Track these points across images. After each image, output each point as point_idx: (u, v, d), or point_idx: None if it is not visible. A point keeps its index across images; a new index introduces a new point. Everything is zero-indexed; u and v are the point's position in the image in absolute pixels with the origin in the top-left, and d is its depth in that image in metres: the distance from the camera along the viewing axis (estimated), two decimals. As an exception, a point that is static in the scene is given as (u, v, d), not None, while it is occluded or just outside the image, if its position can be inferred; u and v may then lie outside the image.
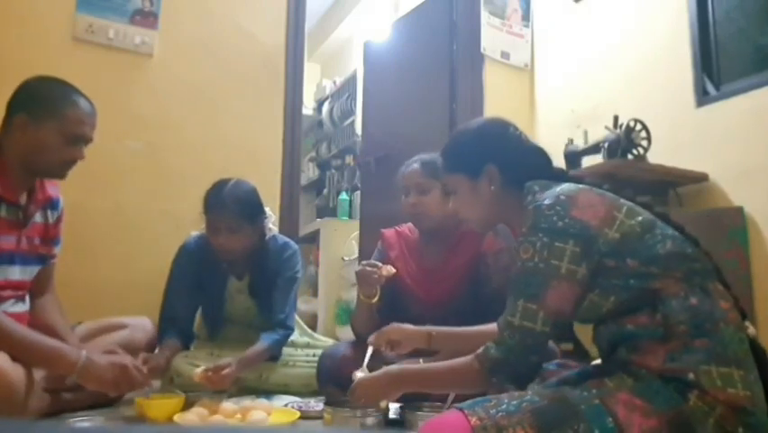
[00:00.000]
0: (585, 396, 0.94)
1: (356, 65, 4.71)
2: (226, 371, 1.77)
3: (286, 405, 1.78)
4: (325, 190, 5.17)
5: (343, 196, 4.40)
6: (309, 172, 5.67)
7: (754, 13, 2.52)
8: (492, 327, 1.13)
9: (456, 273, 1.81)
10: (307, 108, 5.07)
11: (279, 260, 2.12)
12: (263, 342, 1.96)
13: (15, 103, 1.57)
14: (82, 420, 1.57)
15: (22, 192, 1.60)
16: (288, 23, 3.12)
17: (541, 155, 1.27)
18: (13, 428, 0.45)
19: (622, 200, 1.09)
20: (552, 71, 3.40)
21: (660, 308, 0.97)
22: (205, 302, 2.16)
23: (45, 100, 1.56)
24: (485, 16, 3.33)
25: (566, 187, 1.11)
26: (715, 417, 0.89)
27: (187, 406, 1.66)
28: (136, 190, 2.67)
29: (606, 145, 2.51)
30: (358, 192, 4.18)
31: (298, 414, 1.66)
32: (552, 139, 2.95)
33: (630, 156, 2.45)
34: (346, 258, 3.82)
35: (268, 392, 1.99)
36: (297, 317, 2.21)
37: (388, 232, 1.97)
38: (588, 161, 2.75)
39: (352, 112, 4.87)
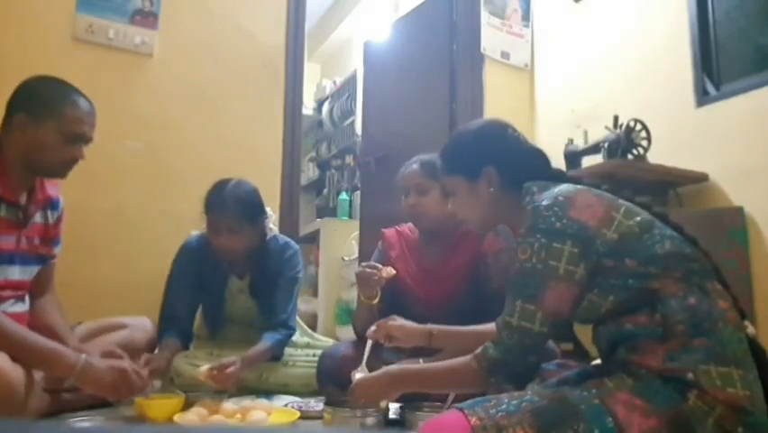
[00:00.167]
0: (585, 396, 0.94)
1: (356, 65, 4.71)
2: (231, 369, 1.77)
3: (286, 405, 1.78)
4: (325, 190, 5.17)
5: (343, 196, 4.40)
6: (309, 172, 5.67)
7: (754, 13, 2.52)
8: (493, 326, 1.13)
9: (456, 273, 1.81)
10: (307, 108, 5.06)
11: (281, 260, 2.12)
12: (266, 341, 1.96)
13: (15, 102, 1.57)
14: (82, 420, 1.57)
15: (22, 192, 1.59)
16: (288, 23, 3.12)
17: (539, 156, 1.28)
18: (13, 428, 0.45)
19: (620, 201, 1.09)
20: (552, 71, 3.40)
21: (659, 307, 0.97)
22: (205, 302, 2.16)
23: (44, 100, 1.56)
24: (485, 16, 3.33)
25: (564, 188, 1.11)
26: (714, 416, 0.89)
27: (187, 406, 1.66)
28: (136, 190, 2.66)
29: (606, 145, 2.51)
30: (358, 192, 4.18)
31: (298, 414, 1.66)
32: (552, 139, 2.95)
33: (630, 156, 2.45)
34: (346, 258, 3.83)
35: (268, 392, 1.99)
36: (297, 318, 2.20)
37: (389, 232, 1.98)
38: (588, 161, 2.75)
39: (351, 112, 4.87)
